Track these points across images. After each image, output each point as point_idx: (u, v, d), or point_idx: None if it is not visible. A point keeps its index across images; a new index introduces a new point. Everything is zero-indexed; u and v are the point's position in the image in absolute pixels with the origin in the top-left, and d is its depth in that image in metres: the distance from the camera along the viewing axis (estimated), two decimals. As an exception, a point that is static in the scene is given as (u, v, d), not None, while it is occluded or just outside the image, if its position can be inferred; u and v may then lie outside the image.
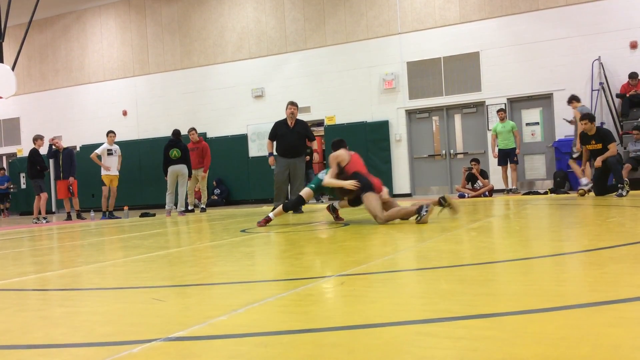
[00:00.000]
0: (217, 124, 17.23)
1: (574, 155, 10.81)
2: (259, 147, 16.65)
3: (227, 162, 16.93)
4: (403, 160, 15.21)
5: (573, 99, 11.50)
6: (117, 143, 14.17)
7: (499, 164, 12.83)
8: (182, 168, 11.46)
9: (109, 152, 12.35)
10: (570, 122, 12.08)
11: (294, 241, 5.00)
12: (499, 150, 12.67)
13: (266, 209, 12.10)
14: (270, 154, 9.76)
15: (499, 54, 14.23)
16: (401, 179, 15.21)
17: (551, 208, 7.33)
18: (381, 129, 15.19)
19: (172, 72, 17.95)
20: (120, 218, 11.98)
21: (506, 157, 12.62)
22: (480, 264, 3.06)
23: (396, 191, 15.02)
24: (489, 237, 4.51)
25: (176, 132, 11.78)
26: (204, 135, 17.04)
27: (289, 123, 9.45)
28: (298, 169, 9.38)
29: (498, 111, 13.01)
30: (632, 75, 12.70)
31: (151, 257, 4.25)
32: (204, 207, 12.50)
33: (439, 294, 2.32)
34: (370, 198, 6.00)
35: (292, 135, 9.35)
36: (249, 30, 16.95)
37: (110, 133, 12.47)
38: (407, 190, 15.12)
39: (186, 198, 11.99)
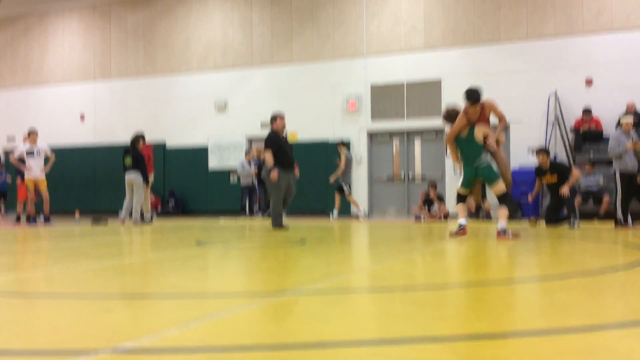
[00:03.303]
0: (178, 134, 17.01)
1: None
2: (219, 159, 16.49)
3: (186, 173, 16.71)
4: (362, 181, 15.30)
5: (342, 144, 13.47)
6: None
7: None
8: (135, 177, 11.16)
9: (29, 153, 11.52)
10: (338, 161, 13.50)
11: (250, 257, 4.94)
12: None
13: (223, 223, 11.96)
14: (274, 167, 8.81)
15: (460, 83, 14.49)
16: (359, 200, 15.26)
17: (504, 235, 7.46)
18: (342, 148, 15.25)
19: (134, 79, 17.68)
20: (34, 223, 11.42)
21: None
22: (435, 288, 3.08)
23: (355, 211, 15.08)
24: (443, 262, 4.55)
25: (133, 140, 11.49)
26: (162, 144, 16.78)
27: (282, 135, 9.24)
28: (294, 183, 9.34)
29: None
30: (586, 111, 13.15)
31: (102, 267, 4.13)
32: (150, 217, 11.98)
33: (393, 315, 2.33)
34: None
35: (288, 147, 9.19)
36: (215, 43, 16.88)
37: (32, 133, 11.65)
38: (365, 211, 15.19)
39: (142, 207, 11.68)
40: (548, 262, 4.55)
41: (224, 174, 16.31)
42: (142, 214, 11.63)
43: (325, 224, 10.59)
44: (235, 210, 15.00)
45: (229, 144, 16.37)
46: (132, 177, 11.16)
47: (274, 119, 9.18)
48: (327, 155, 15.32)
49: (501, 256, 5.09)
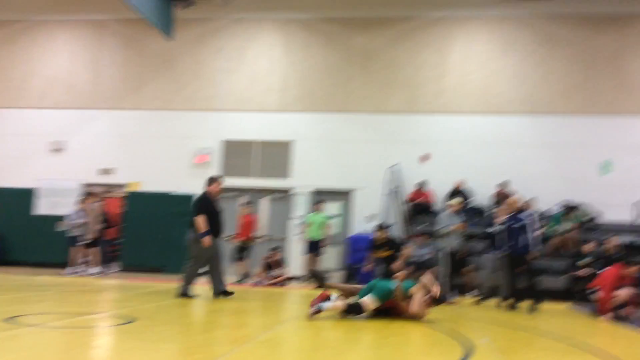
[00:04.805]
0: (2, 173, 15.37)
1: None
2: (48, 205, 15.16)
3: (7, 216, 15.09)
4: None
5: (89, 195, 13.20)
6: None
7: (307, 252, 13.31)
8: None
9: None
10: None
11: (52, 353, 4.40)
12: (309, 239, 13.22)
13: (43, 280, 10.86)
14: (207, 232, 8.21)
15: (310, 147, 14.98)
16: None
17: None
18: (187, 202, 14.75)
19: (-40, 108, 15.88)
20: None
21: (314, 246, 13.21)
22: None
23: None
24: None
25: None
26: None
27: (214, 200, 8.68)
28: (219, 249, 8.73)
29: (315, 202, 13.69)
30: (420, 185, 14.15)
31: None
32: None
33: None
34: None
35: (220, 213, 8.64)
36: (58, 79, 15.79)
37: None
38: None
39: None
40: None
41: (52, 221, 14.92)
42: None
43: (162, 287, 10.07)
44: (62, 263, 13.67)
45: (61, 188, 15.15)
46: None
47: (212, 180, 8.68)
48: (170, 209, 14.78)
49: (345, 350, 5.07)
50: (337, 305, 6.40)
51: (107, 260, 13.64)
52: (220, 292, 8.50)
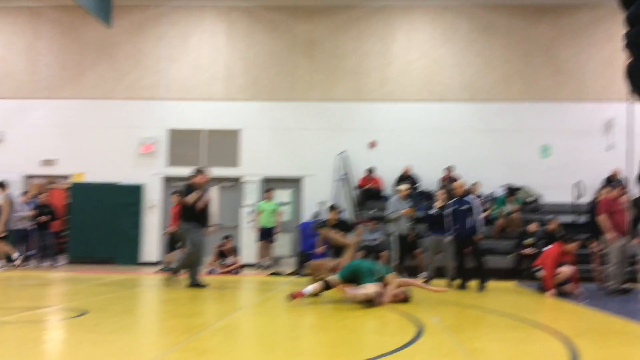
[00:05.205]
0: None
1: None
2: (-13, 199, 14.55)
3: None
4: (154, 228, 14.68)
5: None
6: None
7: (260, 239, 13.35)
8: None
9: None
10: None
11: (13, 347, 4.30)
12: (261, 227, 13.25)
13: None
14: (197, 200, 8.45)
15: (258, 135, 14.90)
16: (150, 246, 14.64)
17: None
18: (134, 193, 14.55)
19: None
20: None
21: (266, 234, 13.26)
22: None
23: (144, 259, 14.40)
24: (235, 350, 4.42)
25: None
26: None
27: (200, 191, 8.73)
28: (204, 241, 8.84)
29: (266, 190, 13.79)
30: (369, 171, 14.34)
31: None
32: None
33: None
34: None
35: (206, 204, 8.72)
36: (-8, 68, 15.11)
37: None
38: (155, 259, 14.56)
39: None
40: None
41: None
42: None
43: (112, 279, 9.86)
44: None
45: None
46: None
47: (198, 172, 8.72)
48: (116, 200, 14.47)
49: (295, 336, 5.12)
50: (359, 294, 6.52)
51: (53, 252, 13.24)
52: (195, 284, 8.48)
